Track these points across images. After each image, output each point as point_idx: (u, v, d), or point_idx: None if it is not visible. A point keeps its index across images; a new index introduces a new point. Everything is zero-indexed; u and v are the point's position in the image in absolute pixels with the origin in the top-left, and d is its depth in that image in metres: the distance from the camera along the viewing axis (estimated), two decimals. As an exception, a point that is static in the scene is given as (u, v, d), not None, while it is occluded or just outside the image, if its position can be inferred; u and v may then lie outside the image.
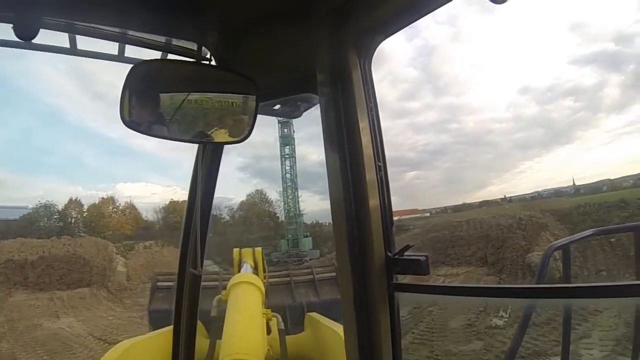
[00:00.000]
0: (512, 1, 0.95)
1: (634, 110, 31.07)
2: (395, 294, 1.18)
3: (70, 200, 32.96)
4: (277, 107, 1.99)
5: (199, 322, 2.39)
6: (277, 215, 37.31)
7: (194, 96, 1.34)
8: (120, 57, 1.74)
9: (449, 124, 49.00)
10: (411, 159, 39.67)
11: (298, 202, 33.60)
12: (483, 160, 41.44)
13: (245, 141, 1.40)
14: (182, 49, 1.59)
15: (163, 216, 35.67)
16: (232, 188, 42.39)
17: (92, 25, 1.43)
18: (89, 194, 43.46)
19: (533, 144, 42.40)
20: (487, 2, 0.98)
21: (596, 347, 10.16)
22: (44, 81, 41.50)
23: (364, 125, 1.20)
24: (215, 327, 2.94)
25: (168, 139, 1.34)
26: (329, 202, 1.25)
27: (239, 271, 4.40)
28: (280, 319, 3.24)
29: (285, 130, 32.15)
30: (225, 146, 1.86)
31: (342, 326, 1.27)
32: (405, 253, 1.18)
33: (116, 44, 1.70)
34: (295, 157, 33.18)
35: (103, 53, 1.79)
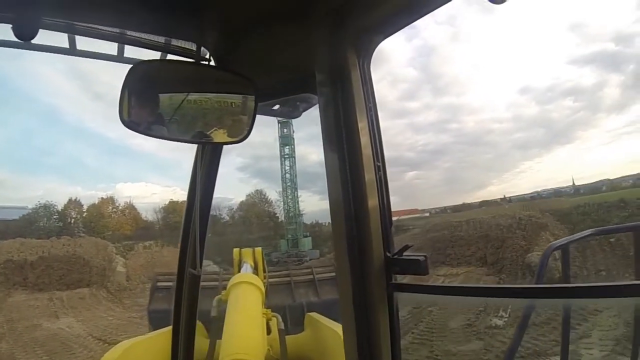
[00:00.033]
0: (512, 1, 0.95)
1: (634, 110, 31.07)
2: (394, 294, 1.18)
3: (70, 200, 32.98)
4: (276, 107, 1.99)
5: (199, 322, 2.39)
6: (277, 215, 37.36)
7: (193, 96, 1.34)
8: (119, 58, 1.75)
9: (449, 124, 49.08)
10: (411, 158, 39.72)
11: (298, 202, 33.65)
12: (483, 160, 41.48)
13: (245, 141, 1.40)
14: (181, 49, 1.59)
15: (163, 216, 35.70)
16: (231, 188, 42.48)
17: (91, 25, 1.43)
18: (89, 194, 43.31)
19: (533, 144, 42.42)
20: (487, 2, 0.98)
21: (596, 347, 10.17)
22: (43, 81, 41.50)
23: (363, 126, 1.20)
24: (215, 327, 2.94)
25: (167, 140, 1.34)
26: (328, 202, 1.25)
27: (239, 271, 4.39)
28: (280, 319, 3.24)
29: (285, 130, 32.18)
30: (225, 146, 1.86)
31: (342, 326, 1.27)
32: (404, 253, 1.18)
33: (115, 44, 1.70)
34: (294, 157, 33.23)
35: (102, 53, 1.79)
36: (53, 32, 1.41)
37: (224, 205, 35.76)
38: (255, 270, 4.63)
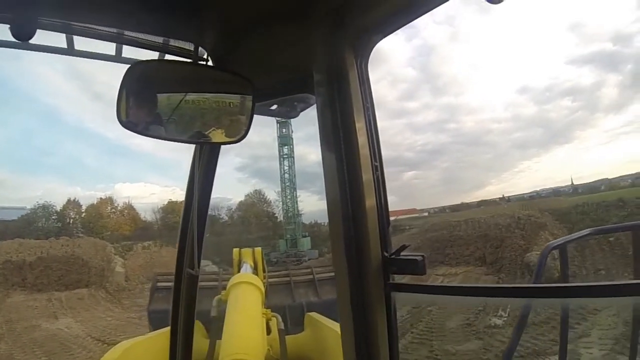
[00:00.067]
0: (510, 1, 0.95)
1: (632, 110, 31.26)
2: (392, 293, 1.18)
3: (69, 200, 33.04)
4: (274, 107, 1.99)
5: (199, 323, 2.39)
6: (276, 215, 37.41)
7: (191, 96, 1.34)
8: (117, 58, 1.75)
9: (448, 124, 49.30)
10: (410, 158, 39.88)
11: (297, 202, 33.70)
12: (482, 160, 41.63)
13: (244, 141, 1.40)
14: (179, 49, 1.59)
15: (161, 216, 35.74)
16: (230, 188, 42.52)
17: (89, 25, 1.43)
18: (88, 195, 43.43)
19: (531, 144, 42.65)
20: (484, 2, 0.98)
21: (595, 346, 10.18)
22: (42, 81, 41.46)
23: (360, 126, 1.20)
24: (215, 327, 2.94)
25: (165, 140, 1.34)
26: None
27: (239, 271, 4.39)
28: (280, 319, 3.24)
29: (284, 130, 32.21)
30: (223, 146, 1.86)
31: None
32: (402, 253, 1.18)
33: (113, 45, 1.70)
34: (293, 157, 33.27)
35: (100, 53, 1.79)
36: (51, 32, 1.41)
37: (222, 206, 35.83)
38: (255, 270, 4.62)
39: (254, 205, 38.93)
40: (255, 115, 1.39)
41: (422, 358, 12.10)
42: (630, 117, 32.58)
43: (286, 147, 32.98)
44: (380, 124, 1.26)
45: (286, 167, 33.45)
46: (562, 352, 2.19)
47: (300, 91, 1.61)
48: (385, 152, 1.26)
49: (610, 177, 28.54)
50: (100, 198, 35.10)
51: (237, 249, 5.04)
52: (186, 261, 2.00)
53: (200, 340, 2.76)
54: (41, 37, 1.38)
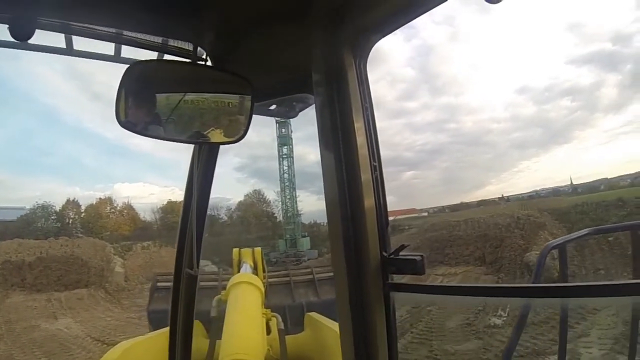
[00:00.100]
0: (509, 1, 0.95)
1: (631, 110, 31.26)
2: (391, 293, 1.18)
3: (68, 200, 32.95)
4: (273, 107, 1.99)
5: (199, 323, 2.38)
6: (275, 215, 37.35)
7: (190, 96, 1.34)
8: (116, 58, 1.75)
9: (447, 124, 49.25)
10: (409, 158, 39.87)
11: (296, 202, 33.64)
12: (481, 160, 41.63)
13: (243, 141, 1.40)
14: (177, 49, 1.59)
15: (161, 216, 35.66)
16: (229, 188, 42.45)
17: (88, 25, 1.43)
18: (87, 195, 43.42)
19: (531, 144, 42.62)
20: (483, 2, 0.98)
21: (595, 346, 10.20)
22: (41, 81, 41.37)
23: (359, 126, 1.20)
24: (215, 327, 2.94)
25: (164, 140, 1.34)
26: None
27: (239, 271, 4.38)
28: (280, 319, 3.24)
29: (283, 130, 32.16)
30: (222, 146, 1.86)
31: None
32: (401, 253, 1.19)
33: (112, 45, 1.70)
34: (293, 157, 33.22)
35: (99, 53, 1.80)
36: (50, 32, 1.41)
37: (221, 206, 35.76)
38: (255, 270, 4.62)
39: (253, 205, 38.89)
40: (254, 115, 1.39)
41: (422, 358, 12.11)
42: (630, 117, 32.64)
43: (285, 147, 32.95)
44: (379, 124, 1.27)
45: (285, 167, 33.43)
46: (562, 352, 2.19)
47: (299, 91, 1.61)
48: (384, 152, 1.26)
49: (609, 176, 28.56)
50: (100, 198, 35.07)
51: (237, 249, 5.03)
52: (185, 261, 2.00)
53: (200, 340, 2.76)
54: (40, 37, 1.38)
